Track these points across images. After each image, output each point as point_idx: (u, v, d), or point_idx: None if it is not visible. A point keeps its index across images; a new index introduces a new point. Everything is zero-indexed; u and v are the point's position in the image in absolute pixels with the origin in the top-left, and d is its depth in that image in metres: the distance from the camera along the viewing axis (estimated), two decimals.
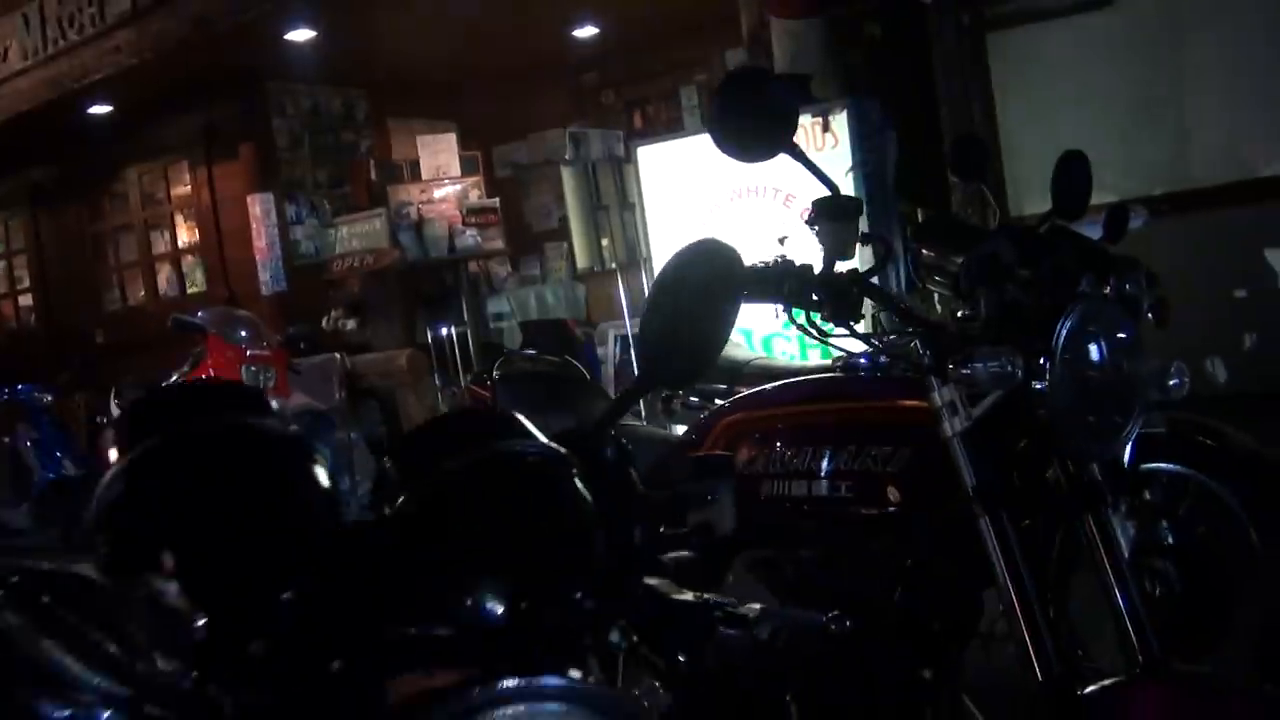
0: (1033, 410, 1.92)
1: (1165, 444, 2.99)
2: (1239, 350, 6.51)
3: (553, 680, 0.66)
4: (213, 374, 7.50)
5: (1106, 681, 1.80)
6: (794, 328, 2.01)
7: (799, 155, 1.91)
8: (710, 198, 6.56)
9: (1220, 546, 3.02)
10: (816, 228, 1.97)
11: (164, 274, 11.41)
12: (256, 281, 9.99)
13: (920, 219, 2.35)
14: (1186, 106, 6.83)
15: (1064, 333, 1.84)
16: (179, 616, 0.62)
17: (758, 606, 1.02)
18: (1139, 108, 6.80)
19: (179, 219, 11.23)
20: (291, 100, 10.35)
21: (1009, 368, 1.79)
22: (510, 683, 0.64)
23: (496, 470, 0.76)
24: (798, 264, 1.98)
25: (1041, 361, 1.86)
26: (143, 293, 11.52)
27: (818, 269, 1.97)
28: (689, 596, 0.94)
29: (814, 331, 1.99)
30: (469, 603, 0.67)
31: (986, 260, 1.96)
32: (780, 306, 1.96)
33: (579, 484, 0.79)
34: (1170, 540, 2.91)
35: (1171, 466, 3.06)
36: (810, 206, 1.98)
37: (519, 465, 0.78)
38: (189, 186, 10.88)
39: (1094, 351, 1.92)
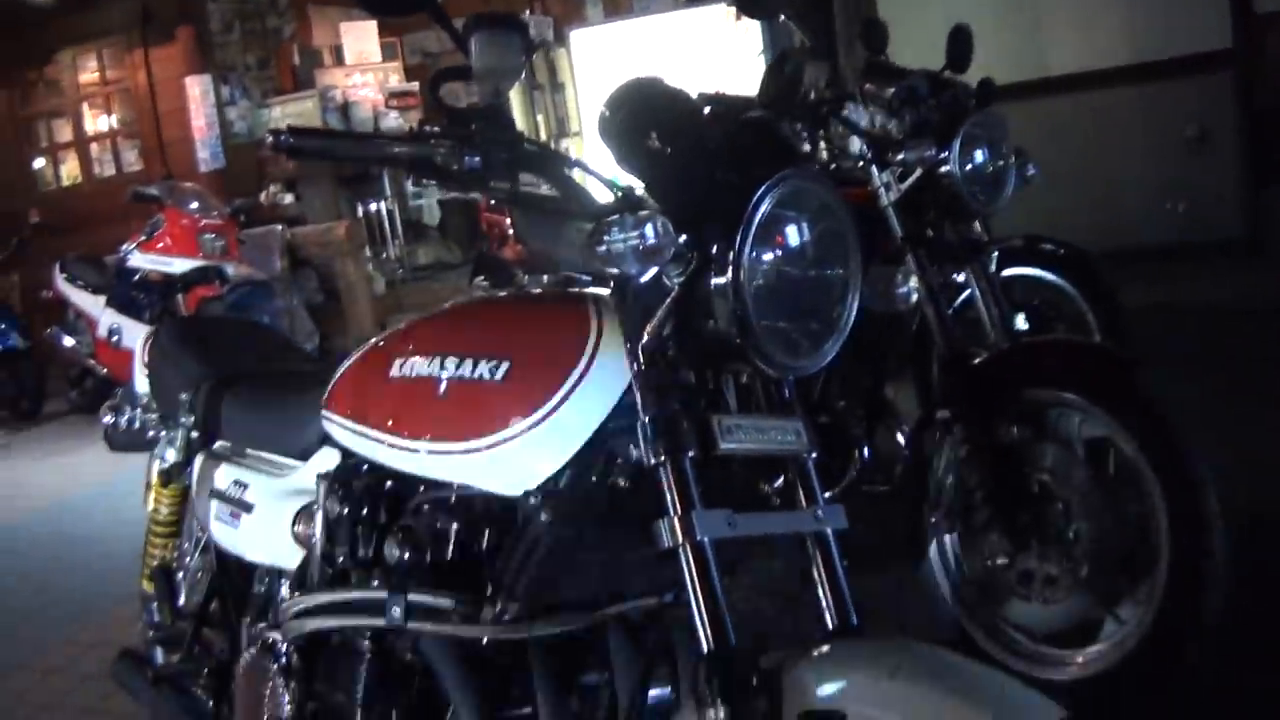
0: (938, 191, 2.94)
1: (1022, 254, 4.03)
2: (1086, 213, 7.67)
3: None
4: (170, 242, 8.13)
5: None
6: None
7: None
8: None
9: (1064, 325, 4.08)
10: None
11: (98, 155, 11.81)
12: (191, 161, 10.43)
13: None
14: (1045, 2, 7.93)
15: (963, 131, 2.86)
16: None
17: None
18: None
19: (114, 102, 11.64)
20: None
21: (930, 151, 2.79)
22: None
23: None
24: None
25: (945, 153, 2.87)
26: (79, 174, 11.88)
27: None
28: None
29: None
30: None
31: (910, 89, 2.97)
32: None
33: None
34: (1028, 327, 3.95)
35: (1027, 270, 4.10)
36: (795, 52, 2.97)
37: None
38: (124, 69, 11.28)
39: (980, 149, 2.94)
